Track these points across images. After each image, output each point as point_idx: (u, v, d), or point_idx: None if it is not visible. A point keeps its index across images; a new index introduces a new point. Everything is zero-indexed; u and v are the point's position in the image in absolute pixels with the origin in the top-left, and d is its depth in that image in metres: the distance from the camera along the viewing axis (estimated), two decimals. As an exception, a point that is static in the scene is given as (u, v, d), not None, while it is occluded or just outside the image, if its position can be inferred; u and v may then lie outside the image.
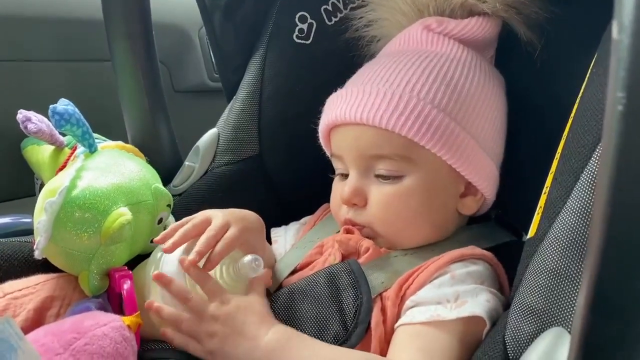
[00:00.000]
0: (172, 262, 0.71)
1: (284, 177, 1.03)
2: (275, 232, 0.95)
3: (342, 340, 0.68)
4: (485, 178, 0.79)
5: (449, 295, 0.69)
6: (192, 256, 0.69)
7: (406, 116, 0.74)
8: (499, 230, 0.85)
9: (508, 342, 0.58)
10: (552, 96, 0.81)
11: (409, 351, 0.65)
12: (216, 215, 0.74)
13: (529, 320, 0.57)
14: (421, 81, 0.77)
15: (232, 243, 0.72)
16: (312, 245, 0.85)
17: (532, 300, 0.58)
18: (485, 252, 0.75)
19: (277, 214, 0.92)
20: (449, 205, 0.80)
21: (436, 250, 0.76)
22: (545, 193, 0.64)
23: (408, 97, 0.75)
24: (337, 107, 0.80)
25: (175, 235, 0.72)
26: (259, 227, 0.79)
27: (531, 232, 0.64)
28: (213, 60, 1.47)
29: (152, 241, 0.81)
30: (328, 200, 0.96)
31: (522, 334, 0.57)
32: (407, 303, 0.70)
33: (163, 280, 0.69)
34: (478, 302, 0.67)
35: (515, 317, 0.59)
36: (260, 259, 0.70)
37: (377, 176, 0.78)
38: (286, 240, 0.95)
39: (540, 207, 0.64)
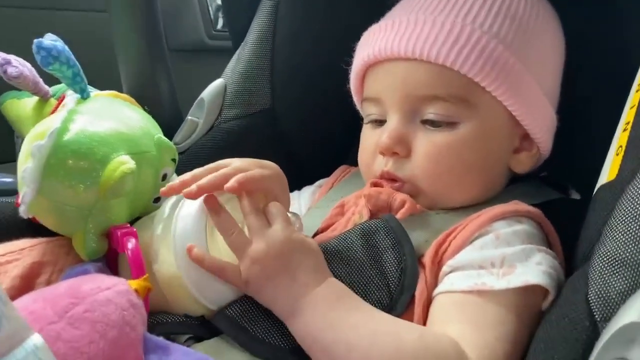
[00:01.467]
0: (188, 213, 0.62)
1: (299, 134, 0.94)
2: None
3: (387, 309, 0.59)
4: (545, 128, 0.71)
5: (494, 258, 0.60)
6: (191, 187, 0.60)
7: (468, 50, 0.65)
8: (544, 188, 0.77)
9: (593, 301, 0.49)
10: (615, 34, 0.74)
11: (455, 324, 0.57)
12: (233, 160, 0.65)
13: (620, 275, 0.48)
14: (484, 11, 0.67)
15: (253, 181, 0.62)
16: (335, 205, 0.76)
17: (623, 251, 0.49)
18: (531, 208, 0.66)
19: (289, 175, 0.82)
20: (503, 161, 0.71)
21: (477, 209, 0.67)
22: (625, 130, 0.56)
23: (470, 28, 0.66)
24: (379, 40, 0.70)
25: (187, 174, 0.62)
26: (282, 177, 0.69)
27: (609, 175, 0.56)
28: (211, 11, 1.37)
29: (155, 201, 0.71)
30: (347, 162, 0.87)
31: (612, 291, 0.48)
32: (444, 269, 0.62)
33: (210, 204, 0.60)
34: (529, 267, 0.59)
35: (601, 272, 0.50)
36: (299, 217, 0.62)
37: (425, 122, 0.68)
38: (300, 203, 0.86)
39: (621, 145, 0.56)
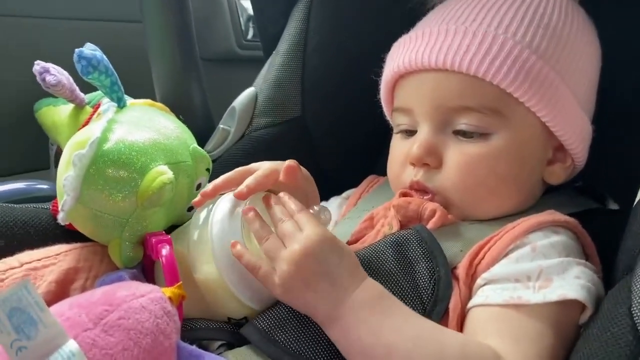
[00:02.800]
0: (223, 217, 0.62)
1: (328, 142, 0.94)
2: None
3: None
4: (580, 140, 0.69)
5: (531, 271, 0.58)
6: (240, 188, 0.62)
7: (501, 61, 0.64)
8: (579, 197, 0.75)
9: (637, 315, 0.48)
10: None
11: (494, 338, 0.55)
12: (263, 163, 0.66)
13: (665, 289, 0.47)
14: (516, 21, 0.66)
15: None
16: (364, 216, 0.75)
17: (667, 264, 0.47)
18: (568, 218, 0.65)
19: (318, 185, 0.82)
20: (536, 173, 0.70)
21: (511, 220, 0.65)
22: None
23: (503, 38, 0.64)
24: (409, 51, 0.69)
25: (218, 179, 0.64)
26: (311, 178, 0.70)
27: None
28: (241, 21, 1.37)
29: (188, 210, 0.72)
30: (376, 171, 0.86)
31: (658, 305, 0.47)
32: (479, 281, 0.60)
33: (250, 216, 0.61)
34: (567, 281, 0.57)
35: (645, 285, 0.48)
36: (328, 209, 0.61)
37: (457, 132, 0.67)
38: None
39: (665, 154, 0.54)
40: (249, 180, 0.63)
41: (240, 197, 0.61)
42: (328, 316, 0.55)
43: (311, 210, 0.61)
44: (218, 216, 0.62)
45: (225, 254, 0.60)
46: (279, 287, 0.57)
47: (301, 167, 0.68)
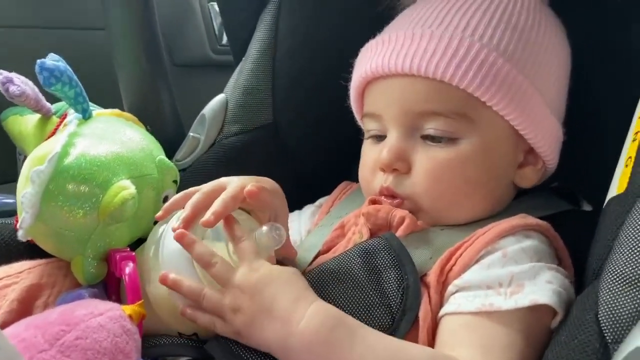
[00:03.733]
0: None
1: (302, 148, 0.92)
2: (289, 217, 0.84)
3: (389, 331, 0.57)
4: (550, 143, 0.69)
5: (502, 277, 0.58)
6: (207, 216, 0.58)
7: (467, 64, 0.63)
8: (553, 199, 0.74)
9: (604, 322, 0.47)
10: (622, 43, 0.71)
11: (465, 348, 0.54)
12: (232, 180, 0.63)
13: (630, 294, 0.46)
14: (483, 24, 0.65)
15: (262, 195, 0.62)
16: (336, 224, 0.74)
17: (633, 269, 0.47)
18: (539, 221, 0.64)
19: (292, 193, 0.81)
20: (507, 177, 0.69)
21: (482, 225, 0.65)
22: (635, 140, 0.54)
23: (469, 42, 0.64)
24: (376, 56, 0.68)
25: (186, 208, 0.61)
26: (281, 193, 0.68)
27: (619, 187, 0.53)
28: (215, 26, 1.36)
29: (155, 223, 0.70)
30: (353, 178, 0.85)
31: (623, 311, 0.46)
32: (450, 288, 0.60)
33: (185, 241, 0.58)
34: (538, 286, 0.57)
35: (611, 291, 0.48)
36: (281, 227, 0.59)
37: (425, 137, 0.66)
38: (300, 224, 0.84)
39: (630, 157, 0.54)
40: (215, 206, 0.60)
41: (208, 226, 0.59)
42: (281, 353, 0.55)
43: (263, 229, 0.59)
44: (171, 233, 0.61)
45: (173, 269, 0.59)
46: (236, 334, 0.57)
47: (268, 182, 0.66)
